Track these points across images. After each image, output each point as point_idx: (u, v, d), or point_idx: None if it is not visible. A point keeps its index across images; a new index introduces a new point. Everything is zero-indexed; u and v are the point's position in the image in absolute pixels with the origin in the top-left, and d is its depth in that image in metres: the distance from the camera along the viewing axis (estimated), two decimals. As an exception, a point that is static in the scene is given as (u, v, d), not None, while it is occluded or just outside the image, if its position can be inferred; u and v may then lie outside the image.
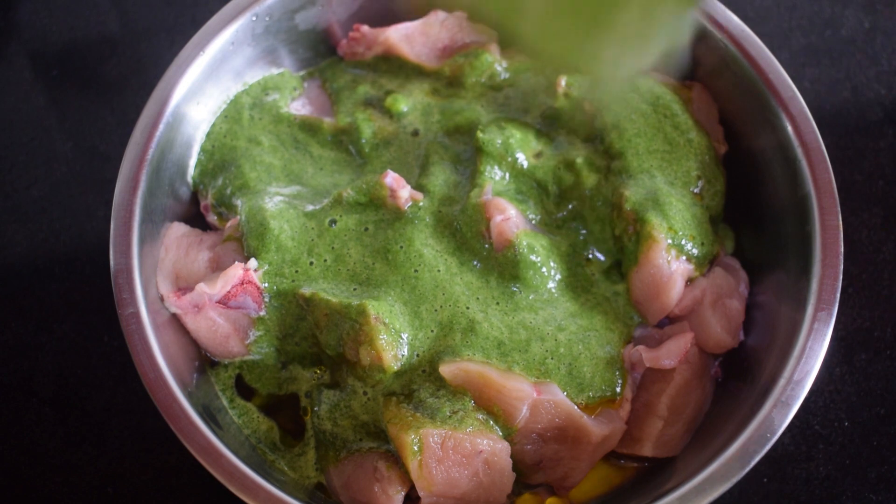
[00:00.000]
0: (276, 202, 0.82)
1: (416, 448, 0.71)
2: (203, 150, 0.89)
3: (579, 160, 0.85)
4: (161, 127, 0.81)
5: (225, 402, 0.82)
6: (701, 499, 0.68)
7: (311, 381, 0.82)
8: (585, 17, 0.47)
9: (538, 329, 0.78)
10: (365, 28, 0.94)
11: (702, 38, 0.86)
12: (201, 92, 0.86)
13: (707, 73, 0.89)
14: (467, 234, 0.82)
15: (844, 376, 0.91)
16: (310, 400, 0.82)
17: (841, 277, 0.74)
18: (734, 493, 0.85)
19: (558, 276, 0.82)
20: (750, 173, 0.87)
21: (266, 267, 0.79)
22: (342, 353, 0.78)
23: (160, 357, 0.73)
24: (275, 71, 0.94)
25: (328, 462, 0.77)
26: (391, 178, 0.82)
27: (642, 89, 0.86)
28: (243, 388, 0.83)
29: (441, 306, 0.79)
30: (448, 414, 0.73)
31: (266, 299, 0.79)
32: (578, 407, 0.75)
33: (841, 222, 0.76)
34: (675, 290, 0.80)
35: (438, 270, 0.80)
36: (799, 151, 0.79)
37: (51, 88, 1.07)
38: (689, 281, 0.82)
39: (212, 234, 0.86)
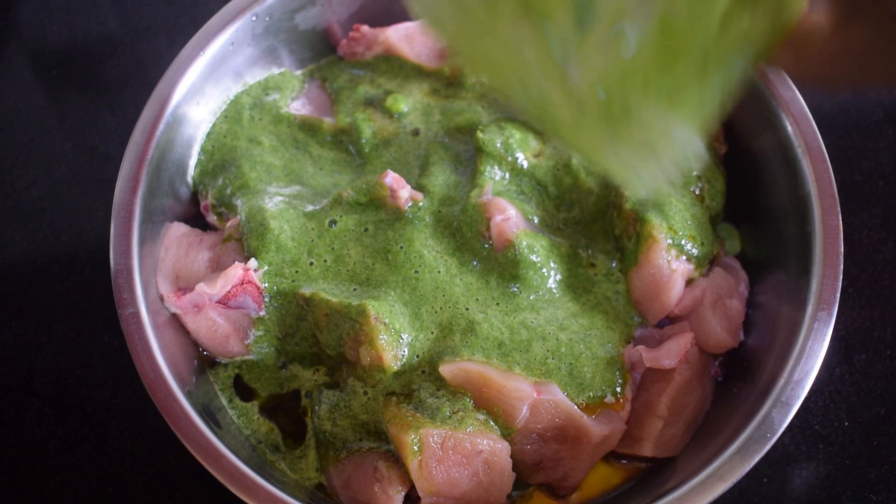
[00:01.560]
0: (276, 202, 0.82)
1: (416, 448, 0.71)
2: (203, 150, 0.89)
3: (575, 160, 0.85)
4: (161, 127, 0.81)
5: (224, 402, 0.82)
6: (701, 499, 0.68)
7: (311, 381, 0.82)
8: (609, 126, 0.47)
9: (540, 329, 0.78)
10: (365, 28, 0.94)
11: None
12: (201, 92, 0.86)
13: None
14: (467, 235, 0.82)
15: (844, 376, 0.91)
16: (310, 400, 0.82)
17: (841, 277, 0.74)
18: (734, 493, 0.85)
19: (558, 277, 0.82)
20: (750, 173, 0.87)
21: (266, 267, 0.79)
22: (342, 353, 0.78)
23: (160, 357, 0.73)
24: (275, 71, 0.94)
25: (328, 462, 0.78)
26: (391, 178, 0.82)
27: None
28: (243, 389, 0.83)
29: (441, 308, 0.79)
30: (448, 414, 0.73)
31: (266, 299, 0.79)
32: (579, 407, 0.75)
33: (841, 222, 0.76)
34: (675, 290, 0.80)
35: (438, 271, 0.80)
36: (799, 151, 0.79)
37: (51, 88, 1.07)
38: (689, 281, 0.82)
39: (212, 234, 0.86)
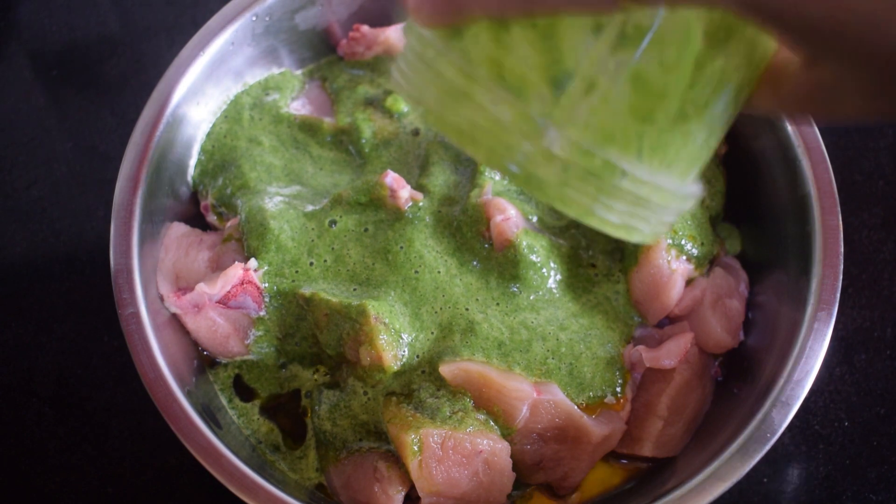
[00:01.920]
0: (276, 202, 0.82)
1: (416, 448, 0.71)
2: (203, 150, 0.89)
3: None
4: (161, 127, 0.81)
5: (224, 402, 0.82)
6: (701, 499, 0.68)
7: (311, 381, 0.82)
8: (591, 192, 0.48)
9: (540, 329, 0.78)
10: (365, 28, 0.94)
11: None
12: (201, 92, 0.86)
13: (707, 73, 0.89)
14: (467, 235, 0.82)
15: (844, 376, 0.91)
16: (310, 400, 0.82)
17: (841, 277, 0.74)
18: (734, 493, 0.85)
19: (558, 277, 0.82)
20: (750, 173, 0.87)
21: (266, 267, 0.79)
22: (342, 353, 0.78)
23: (160, 357, 0.73)
24: (275, 71, 0.94)
25: (328, 462, 0.78)
26: (391, 178, 0.82)
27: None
28: (243, 389, 0.83)
29: (441, 308, 0.79)
30: (448, 414, 0.73)
31: (266, 299, 0.79)
32: (579, 407, 0.75)
33: (841, 222, 0.76)
34: (675, 290, 0.80)
35: (438, 272, 0.80)
36: (799, 151, 0.79)
37: (51, 88, 1.07)
38: (689, 281, 0.82)
39: (212, 234, 0.86)
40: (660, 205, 0.49)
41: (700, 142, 0.48)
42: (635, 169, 0.47)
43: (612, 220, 0.50)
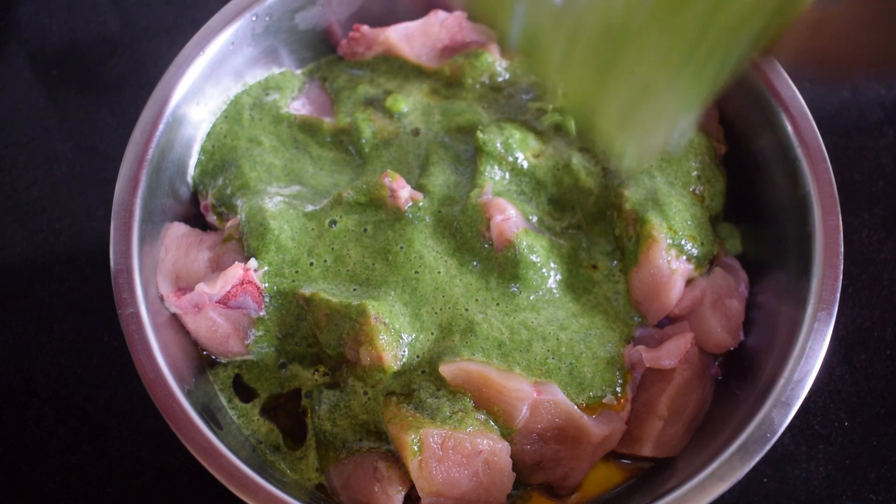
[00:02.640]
0: (276, 202, 0.82)
1: (416, 448, 0.71)
2: (203, 150, 0.89)
3: (575, 161, 0.85)
4: (161, 127, 0.81)
5: (224, 402, 0.82)
6: (701, 499, 0.68)
7: (311, 381, 0.82)
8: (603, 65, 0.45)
9: (540, 329, 0.78)
10: (365, 28, 0.94)
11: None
12: (201, 92, 0.86)
13: (707, 73, 0.89)
14: (467, 235, 0.82)
15: (844, 376, 0.91)
16: (310, 400, 0.82)
17: (841, 277, 0.74)
18: (734, 493, 0.85)
19: (559, 277, 0.82)
20: (750, 173, 0.87)
21: (266, 267, 0.79)
22: (342, 353, 0.78)
23: (160, 357, 0.73)
24: (275, 71, 0.94)
25: (328, 462, 0.78)
26: (391, 178, 0.82)
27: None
28: (243, 389, 0.83)
29: (441, 308, 0.79)
30: (448, 414, 0.73)
31: (266, 299, 0.79)
32: (579, 407, 0.75)
33: (841, 222, 0.76)
34: (674, 290, 0.80)
35: (439, 272, 0.80)
36: (799, 151, 0.79)
37: (51, 88, 1.07)
38: (689, 281, 0.82)
39: (212, 234, 0.86)
40: (656, 116, 0.46)
41: (712, 72, 0.45)
42: (642, 63, 0.43)
43: (610, 111, 0.46)
